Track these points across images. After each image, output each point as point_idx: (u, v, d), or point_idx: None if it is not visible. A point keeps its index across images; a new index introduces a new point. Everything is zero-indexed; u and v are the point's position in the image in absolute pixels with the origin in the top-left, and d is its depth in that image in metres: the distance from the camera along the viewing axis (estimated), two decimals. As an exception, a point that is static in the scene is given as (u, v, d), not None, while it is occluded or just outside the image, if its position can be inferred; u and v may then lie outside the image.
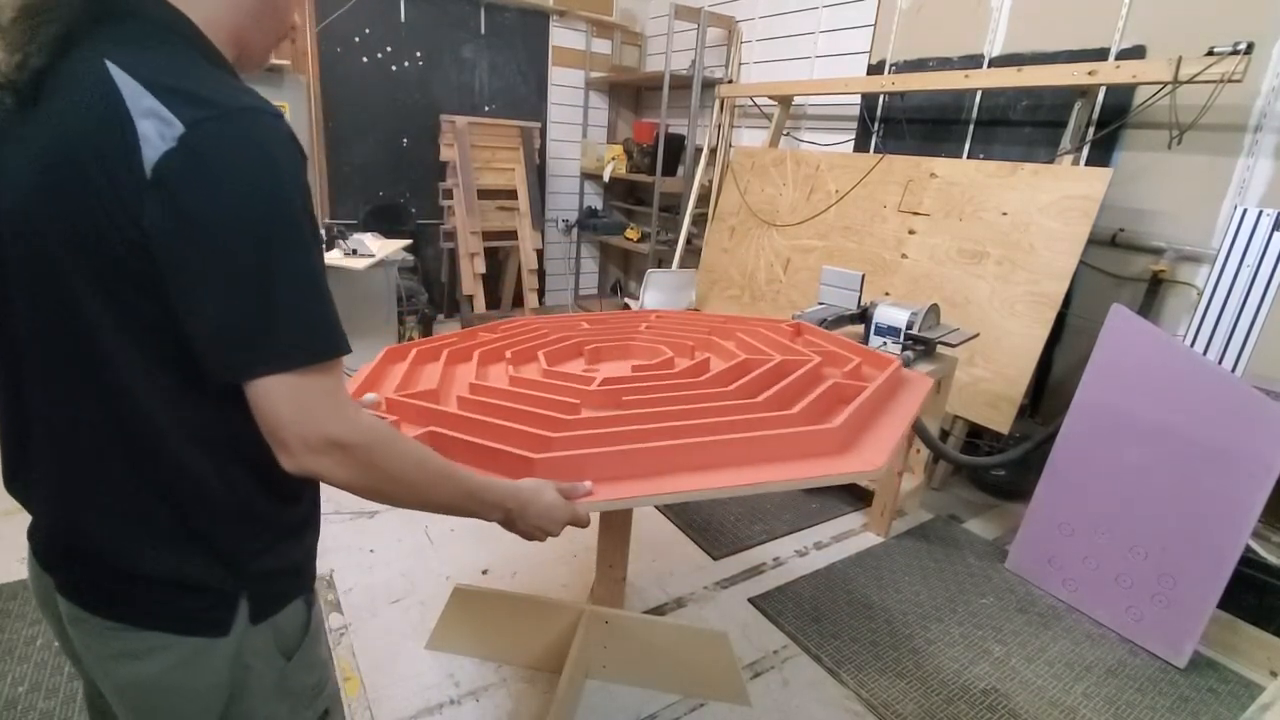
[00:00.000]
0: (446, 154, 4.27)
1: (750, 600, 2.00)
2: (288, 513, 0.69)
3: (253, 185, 0.53)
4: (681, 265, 4.10)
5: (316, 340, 0.58)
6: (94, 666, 0.67)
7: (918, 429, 2.10)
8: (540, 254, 4.58)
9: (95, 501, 0.62)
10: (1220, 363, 2.11)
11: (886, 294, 2.90)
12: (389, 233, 3.85)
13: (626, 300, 4.95)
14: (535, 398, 1.24)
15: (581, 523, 0.88)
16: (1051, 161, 2.56)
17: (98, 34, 0.56)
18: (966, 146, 3.02)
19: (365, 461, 0.62)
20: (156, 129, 0.51)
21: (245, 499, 0.65)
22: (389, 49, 4.05)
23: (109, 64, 0.53)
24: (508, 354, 1.62)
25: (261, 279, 0.54)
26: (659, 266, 4.24)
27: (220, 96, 0.54)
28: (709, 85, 4.07)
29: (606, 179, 4.66)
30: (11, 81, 0.55)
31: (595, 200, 5.16)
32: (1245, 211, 2.06)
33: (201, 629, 0.64)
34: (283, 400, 0.56)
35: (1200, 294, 2.22)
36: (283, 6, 0.69)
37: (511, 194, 4.47)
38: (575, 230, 5.14)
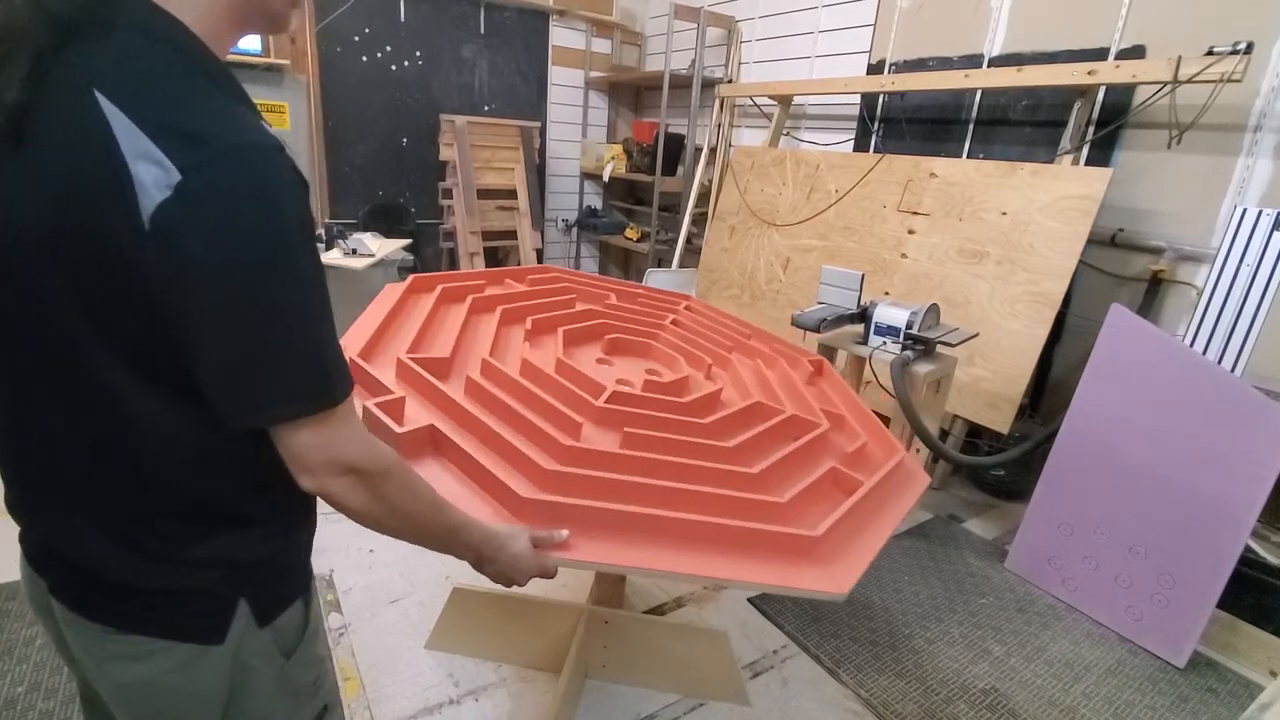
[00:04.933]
0: (446, 154, 4.27)
1: (750, 600, 2.00)
2: (284, 519, 0.69)
3: (253, 231, 0.51)
4: (681, 265, 4.10)
5: (327, 382, 0.58)
6: (91, 669, 0.67)
7: (917, 429, 2.10)
8: (540, 253, 4.58)
9: (89, 515, 0.62)
10: (1220, 363, 2.11)
11: (886, 294, 2.90)
12: (389, 232, 3.85)
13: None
14: (542, 402, 1.22)
15: (548, 575, 0.90)
16: (1051, 161, 2.56)
17: (82, 52, 0.51)
18: (966, 146, 3.02)
19: (376, 490, 0.65)
20: (152, 176, 0.48)
21: (242, 510, 0.65)
22: (389, 49, 4.05)
23: (100, 97, 0.49)
24: (529, 322, 1.60)
25: (268, 327, 0.54)
26: (659, 266, 4.24)
27: (218, 130, 0.51)
28: (709, 85, 4.07)
29: (606, 179, 4.66)
30: None
31: (595, 200, 5.16)
32: (1245, 211, 2.06)
33: (198, 636, 0.64)
34: (306, 435, 0.58)
35: (1200, 294, 2.22)
36: None
37: (511, 194, 4.47)
38: (575, 230, 5.14)
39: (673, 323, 1.87)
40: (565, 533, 0.92)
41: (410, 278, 1.64)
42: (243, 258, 0.51)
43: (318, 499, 0.75)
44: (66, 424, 0.60)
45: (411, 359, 1.24)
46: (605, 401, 1.28)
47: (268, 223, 0.52)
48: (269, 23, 0.65)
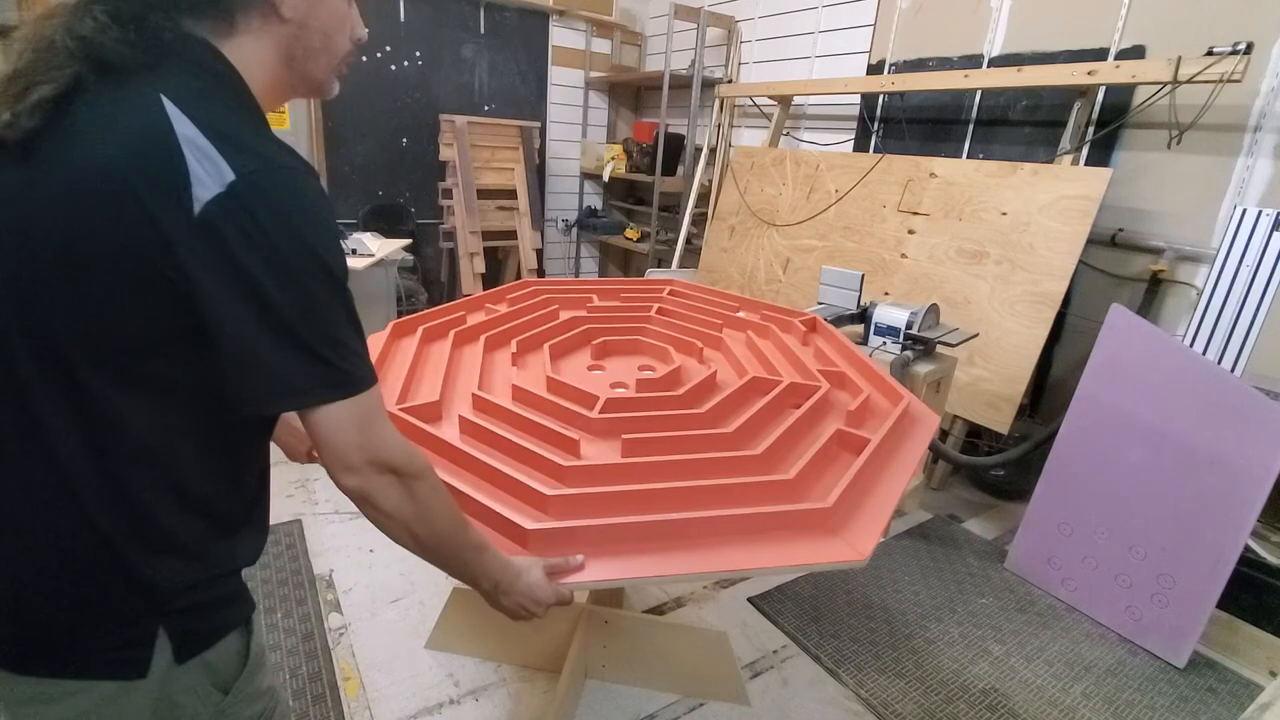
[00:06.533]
0: (446, 154, 4.27)
1: (750, 600, 2.00)
2: (223, 546, 0.67)
3: (298, 238, 0.56)
4: (681, 265, 4.10)
5: (363, 371, 0.63)
6: (8, 712, 0.64)
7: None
8: (540, 254, 4.58)
9: (17, 535, 0.60)
10: (1220, 363, 2.11)
11: (886, 294, 2.90)
12: (389, 232, 3.85)
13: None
14: (537, 426, 1.20)
15: (565, 602, 0.90)
16: (1051, 161, 2.56)
17: (146, 76, 0.57)
18: (966, 146, 3.02)
19: (412, 490, 0.67)
20: (206, 171, 0.53)
21: (179, 530, 0.62)
22: (389, 49, 4.05)
23: (165, 100, 0.55)
24: (514, 344, 1.60)
25: (299, 317, 0.57)
26: (659, 266, 4.24)
27: (265, 150, 0.57)
28: (709, 85, 4.06)
29: (606, 179, 4.66)
30: (1, 138, 0.55)
31: (595, 200, 5.16)
32: (1245, 211, 2.06)
33: (114, 671, 0.61)
34: (348, 425, 0.61)
35: (1200, 294, 2.22)
36: (327, 32, 0.67)
37: (511, 194, 4.47)
38: (575, 230, 5.13)
39: (659, 312, 1.85)
40: (580, 558, 0.91)
41: (390, 325, 1.61)
42: (284, 255, 0.55)
43: (249, 528, 0.72)
44: (19, 430, 0.58)
45: (401, 410, 1.21)
46: (600, 411, 1.26)
47: (306, 229, 0.57)
48: (312, 89, 0.71)
